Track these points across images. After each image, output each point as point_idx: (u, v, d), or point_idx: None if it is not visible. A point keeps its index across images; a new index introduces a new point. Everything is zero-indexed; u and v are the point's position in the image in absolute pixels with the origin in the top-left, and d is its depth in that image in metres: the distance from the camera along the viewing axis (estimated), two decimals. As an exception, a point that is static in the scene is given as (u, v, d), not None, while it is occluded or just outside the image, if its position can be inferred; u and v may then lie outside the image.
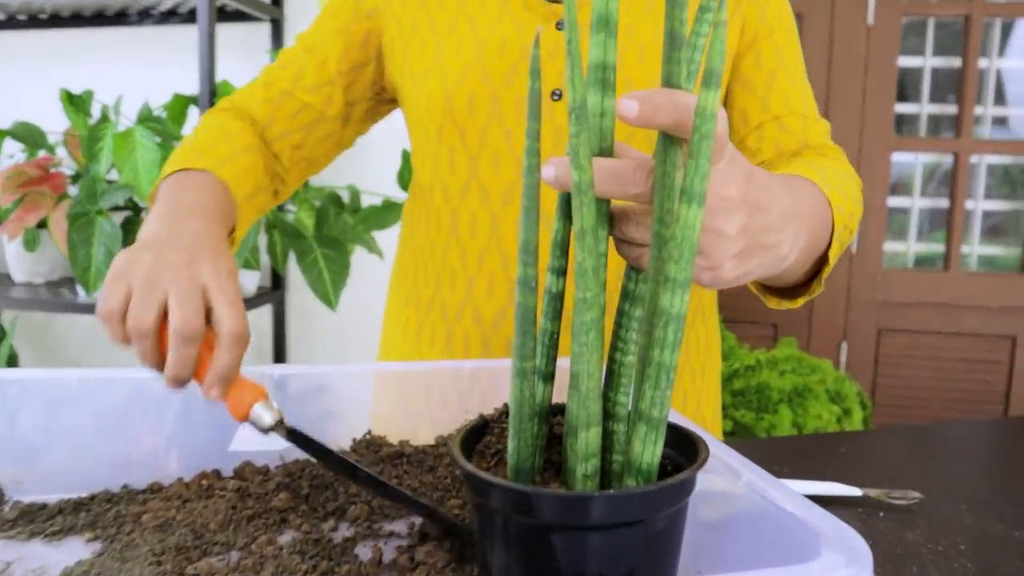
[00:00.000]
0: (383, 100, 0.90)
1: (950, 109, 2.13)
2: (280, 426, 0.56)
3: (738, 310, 2.10)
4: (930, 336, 2.02)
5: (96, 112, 1.82)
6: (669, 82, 0.40)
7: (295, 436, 0.57)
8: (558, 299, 0.45)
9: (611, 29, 0.41)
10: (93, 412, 0.66)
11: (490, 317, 0.81)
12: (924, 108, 2.14)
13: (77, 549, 0.55)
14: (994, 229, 2.19)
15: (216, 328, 0.55)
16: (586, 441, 0.40)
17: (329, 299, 1.75)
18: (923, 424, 0.90)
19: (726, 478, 0.46)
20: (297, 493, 0.63)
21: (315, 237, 1.74)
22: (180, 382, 0.55)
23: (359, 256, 2.00)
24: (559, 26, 0.78)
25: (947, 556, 0.58)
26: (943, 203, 2.11)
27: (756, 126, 0.79)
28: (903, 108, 2.15)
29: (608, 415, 0.45)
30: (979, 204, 2.13)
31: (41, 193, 1.80)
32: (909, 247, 2.16)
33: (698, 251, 0.44)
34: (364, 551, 0.55)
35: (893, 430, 0.88)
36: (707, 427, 0.91)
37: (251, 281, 2.00)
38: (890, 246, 2.16)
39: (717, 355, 0.93)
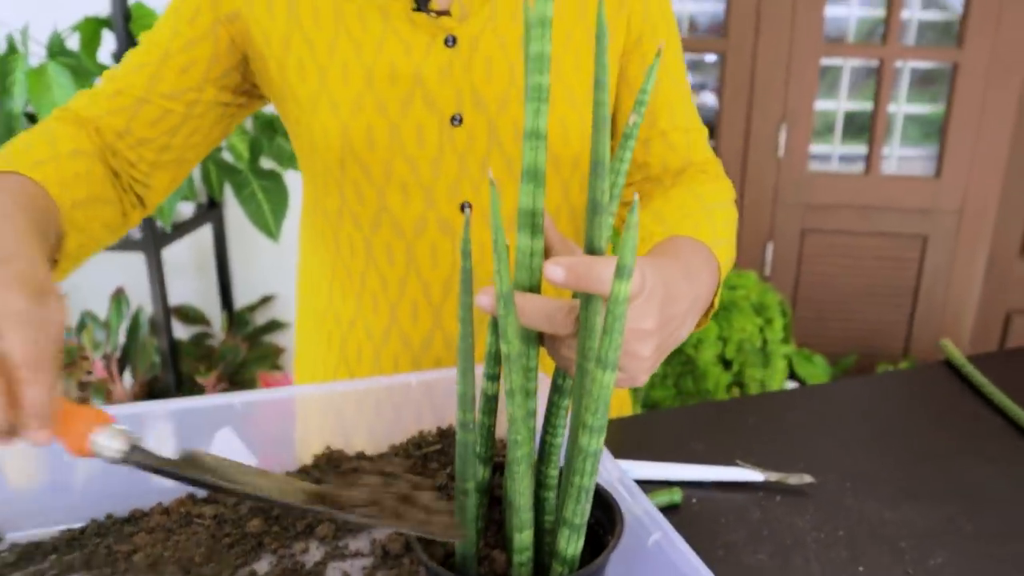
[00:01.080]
0: (254, 96, 0.84)
1: (878, 12, 2.15)
2: (137, 451, 0.48)
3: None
4: (849, 236, 2.15)
5: (1, 40, 1.72)
6: (591, 246, 0.45)
7: (152, 463, 0.49)
8: (493, 399, 0.51)
9: (539, 180, 0.45)
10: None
11: (418, 340, 0.83)
12: (853, 11, 2.15)
13: (78, 590, 0.62)
14: (913, 129, 2.28)
15: (7, 361, 0.44)
16: (520, 540, 0.48)
17: (270, 230, 1.76)
18: (825, 384, 1.01)
19: (638, 535, 0.55)
20: (268, 515, 0.70)
21: (250, 169, 1.72)
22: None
23: (294, 175, 1.99)
24: (447, 42, 0.75)
25: (827, 544, 0.70)
26: (867, 106, 2.18)
27: (643, 140, 0.82)
28: (833, 11, 2.16)
29: (540, 485, 0.52)
30: (901, 108, 2.20)
31: (-44, 128, 1.72)
32: (834, 149, 2.24)
33: (620, 367, 0.50)
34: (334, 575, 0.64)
35: (797, 395, 0.99)
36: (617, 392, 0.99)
37: (187, 208, 1.98)
38: (816, 148, 2.24)
39: None
